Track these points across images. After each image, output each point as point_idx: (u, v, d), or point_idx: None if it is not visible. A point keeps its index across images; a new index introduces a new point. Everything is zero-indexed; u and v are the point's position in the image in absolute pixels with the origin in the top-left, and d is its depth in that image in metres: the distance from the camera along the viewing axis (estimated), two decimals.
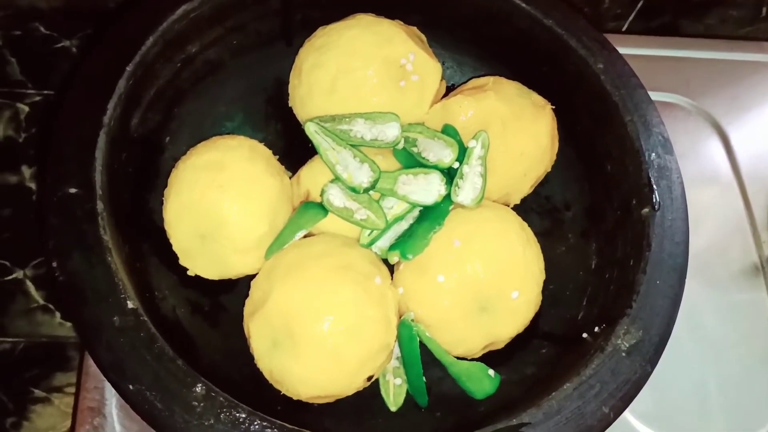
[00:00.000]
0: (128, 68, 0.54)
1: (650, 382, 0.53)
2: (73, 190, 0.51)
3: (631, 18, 0.88)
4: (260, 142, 0.60)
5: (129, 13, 0.58)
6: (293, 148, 0.62)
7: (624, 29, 0.90)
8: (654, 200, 0.56)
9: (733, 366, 0.71)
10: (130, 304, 0.48)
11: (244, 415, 0.46)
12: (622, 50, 0.64)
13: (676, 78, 0.81)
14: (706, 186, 0.78)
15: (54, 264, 0.49)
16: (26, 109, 0.81)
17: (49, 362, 0.71)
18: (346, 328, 0.52)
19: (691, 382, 0.70)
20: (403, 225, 0.58)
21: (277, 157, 0.60)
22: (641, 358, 0.52)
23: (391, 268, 0.58)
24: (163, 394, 0.46)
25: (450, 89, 0.65)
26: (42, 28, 0.82)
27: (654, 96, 0.62)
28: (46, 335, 0.72)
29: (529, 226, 0.59)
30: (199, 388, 0.46)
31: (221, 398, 0.46)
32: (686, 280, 0.56)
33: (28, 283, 0.73)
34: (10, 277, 0.73)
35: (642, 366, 0.52)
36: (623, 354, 0.52)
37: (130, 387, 0.46)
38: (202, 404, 0.46)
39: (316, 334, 0.51)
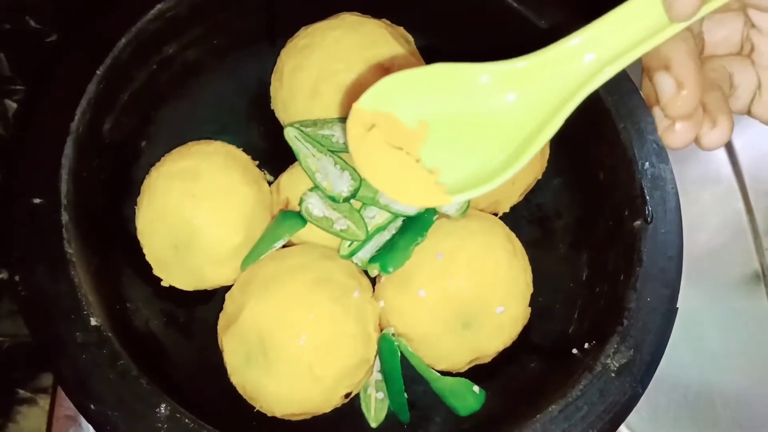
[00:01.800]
0: (98, 71, 0.52)
1: (646, 394, 0.51)
2: (37, 201, 0.49)
3: None
4: (242, 145, 0.58)
5: (102, 13, 0.56)
6: (277, 152, 0.60)
7: None
8: (646, 212, 0.54)
9: (733, 376, 0.69)
10: (93, 321, 0.46)
11: None
12: None
13: None
14: (706, 189, 0.75)
15: (17, 278, 0.47)
16: (14, 106, 0.80)
17: (34, 363, 0.70)
18: (321, 344, 0.50)
19: (689, 394, 0.68)
20: (385, 236, 0.55)
21: (257, 162, 0.58)
22: (631, 379, 0.50)
23: (374, 280, 0.56)
24: (126, 415, 0.45)
25: None
26: (33, 22, 0.80)
27: None
28: None
29: (519, 234, 0.57)
30: (163, 408, 0.45)
31: (186, 419, 0.45)
32: (685, 287, 0.54)
33: None
34: None
35: (632, 387, 0.50)
36: (612, 374, 0.50)
37: (92, 406, 0.45)
38: (166, 425, 0.44)
39: (290, 351, 0.50)
